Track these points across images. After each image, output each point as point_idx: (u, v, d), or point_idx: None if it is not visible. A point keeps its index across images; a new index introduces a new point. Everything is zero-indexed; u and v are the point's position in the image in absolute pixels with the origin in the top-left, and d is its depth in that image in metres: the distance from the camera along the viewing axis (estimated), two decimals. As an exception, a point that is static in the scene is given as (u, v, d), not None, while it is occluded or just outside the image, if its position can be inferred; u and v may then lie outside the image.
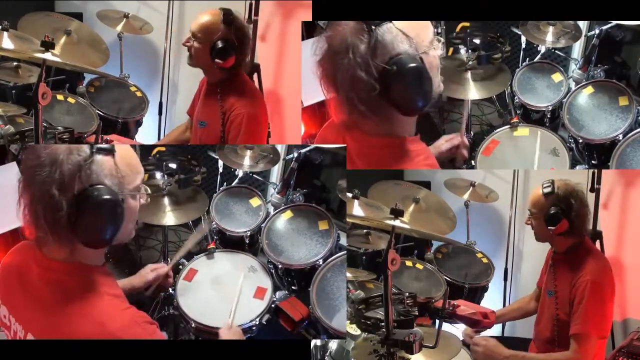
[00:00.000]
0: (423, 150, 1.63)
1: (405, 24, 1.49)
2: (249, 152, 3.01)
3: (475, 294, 3.11)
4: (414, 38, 1.49)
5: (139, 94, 3.48)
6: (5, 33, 2.89)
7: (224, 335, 2.30)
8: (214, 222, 2.91)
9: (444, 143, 2.20)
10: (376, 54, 1.45)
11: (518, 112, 3.14)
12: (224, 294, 2.53)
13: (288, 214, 2.84)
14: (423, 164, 1.62)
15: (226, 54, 2.42)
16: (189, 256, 2.81)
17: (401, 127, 1.59)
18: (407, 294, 1.79)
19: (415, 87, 1.47)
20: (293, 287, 2.67)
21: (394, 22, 1.47)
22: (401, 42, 1.47)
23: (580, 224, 2.29)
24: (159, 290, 2.23)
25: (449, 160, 2.25)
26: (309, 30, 3.10)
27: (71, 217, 1.35)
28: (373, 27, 1.45)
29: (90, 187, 1.36)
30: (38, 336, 1.44)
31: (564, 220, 2.24)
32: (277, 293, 2.58)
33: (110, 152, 1.41)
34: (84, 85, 3.33)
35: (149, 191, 1.52)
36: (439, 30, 3.23)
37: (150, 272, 2.11)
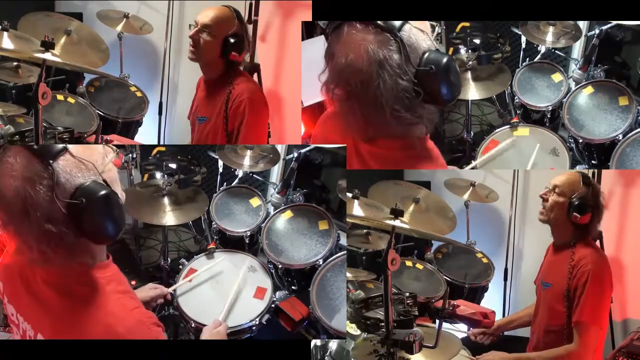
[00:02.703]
0: (436, 149, 1.64)
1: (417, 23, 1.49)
2: (249, 152, 3.01)
3: (475, 294, 3.11)
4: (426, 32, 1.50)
5: (139, 94, 3.48)
6: (5, 33, 2.89)
7: (206, 333, 2.23)
8: (214, 222, 2.91)
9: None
10: (409, 59, 1.44)
11: (518, 112, 3.14)
12: (224, 293, 2.53)
13: (288, 214, 2.84)
14: (442, 163, 1.64)
15: (241, 48, 2.49)
16: (189, 256, 2.82)
17: (419, 127, 1.58)
18: (407, 294, 1.79)
19: (453, 80, 1.48)
20: (293, 287, 2.67)
21: (410, 21, 1.47)
22: (423, 40, 1.48)
23: (597, 223, 2.33)
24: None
25: None
26: (309, 30, 3.09)
27: (72, 230, 1.31)
28: (397, 33, 1.44)
29: (73, 196, 1.30)
30: (48, 337, 1.43)
31: (589, 214, 2.26)
32: (277, 293, 2.58)
33: (61, 151, 1.33)
34: (84, 85, 3.33)
35: (117, 151, 1.47)
36: (439, 31, 3.23)
37: (152, 290, 2.15)
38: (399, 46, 1.44)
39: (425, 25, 1.52)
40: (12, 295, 1.50)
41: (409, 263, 3.11)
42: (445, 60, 1.45)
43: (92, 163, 1.36)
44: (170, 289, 2.26)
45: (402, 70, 1.43)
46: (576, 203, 2.27)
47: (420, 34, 1.48)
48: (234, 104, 2.49)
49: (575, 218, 2.27)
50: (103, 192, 1.33)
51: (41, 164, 1.30)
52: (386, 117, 1.47)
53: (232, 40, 2.46)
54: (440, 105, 1.52)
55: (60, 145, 1.34)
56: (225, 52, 2.48)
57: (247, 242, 2.88)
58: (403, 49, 1.43)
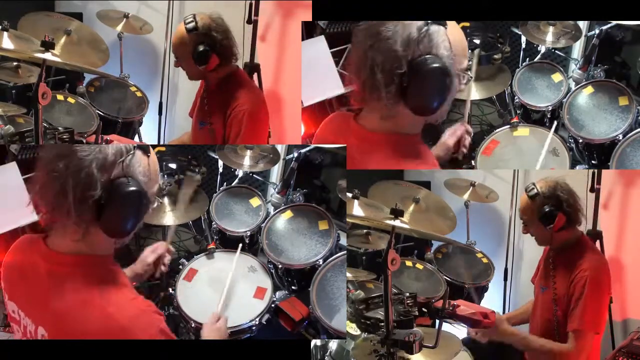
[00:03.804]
0: (427, 149, 1.65)
1: (453, 39, 1.50)
2: (249, 152, 3.01)
3: (475, 294, 3.11)
4: (454, 56, 1.50)
5: (139, 94, 3.48)
6: (5, 33, 2.89)
7: (205, 331, 2.23)
8: (214, 222, 2.91)
9: (449, 137, 2.19)
10: (420, 43, 1.46)
11: (518, 112, 3.14)
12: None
13: (288, 214, 2.85)
14: (432, 163, 1.64)
15: (205, 57, 2.43)
16: (189, 256, 2.82)
17: (409, 125, 1.59)
18: (407, 294, 1.79)
19: (436, 87, 1.48)
20: (293, 287, 2.67)
21: (448, 28, 1.49)
22: (445, 49, 1.48)
23: (575, 214, 2.29)
24: (159, 269, 2.21)
25: (449, 162, 2.25)
26: (309, 30, 3.10)
27: (99, 201, 1.36)
28: (429, 22, 1.47)
29: (126, 177, 1.38)
30: (48, 329, 1.44)
31: (560, 215, 2.24)
32: (277, 293, 2.58)
33: (147, 152, 1.45)
34: (84, 85, 3.33)
35: (160, 201, 1.54)
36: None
37: (150, 255, 2.11)
38: (422, 28, 1.46)
39: (459, 54, 1.52)
40: (13, 292, 1.52)
41: (409, 263, 3.11)
42: (439, 65, 1.45)
43: (149, 181, 1.45)
44: (168, 241, 2.22)
45: (408, 40, 1.45)
46: (542, 217, 2.25)
47: (447, 45, 1.48)
48: (232, 113, 2.48)
49: (552, 229, 2.26)
50: (138, 189, 1.39)
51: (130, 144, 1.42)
52: (367, 68, 1.50)
53: (195, 55, 2.43)
54: (410, 104, 1.50)
55: (149, 147, 1.47)
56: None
57: (247, 242, 2.88)
58: (424, 30, 1.46)
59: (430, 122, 1.61)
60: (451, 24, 1.52)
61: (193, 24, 2.42)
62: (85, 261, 1.43)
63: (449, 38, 1.49)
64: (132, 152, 1.40)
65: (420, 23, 1.47)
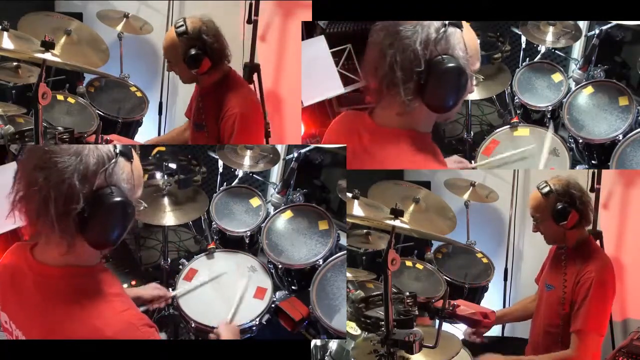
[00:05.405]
0: (437, 148, 1.67)
1: (467, 41, 1.55)
2: (249, 152, 3.01)
3: (475, 294, 3.11)
4: (469, 58, 1.54)
5: (139, 94, 3.48)
6: (5, 33, 2.89)
7: (222, 330, 2.30)
8: (214, 222, 2.91)
9: (455, 164, 2.30)
10: (438, 44, 1.50)
11: (518, 112, 3.14)
12: (224, 294, 2.54)
13: (288, 214, 2.84)
14: (442, 161, 1.66)
15: (196, 61, 2.41)
16: (189, 256, 2.82)
17: (423, 123, 1.62)
18: (407, 293, 1.79)
19: (453, 86, 1.52)
20: (293, 287, 2.67)
21: (463, 30, 1.54)
22: (461, 50, 1.52)
23: (587, 211, 2.30)
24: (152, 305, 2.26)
25: None
26: (309, 30, 3.10)
27: (83, 214, 1.32)
28: (446, 23, 1.51)
29: (109, 187, 1.34)
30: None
31: (573, 212, 2.25)
32: (277, 293, 2.58)
33: (130, 158, 1.41)
34: (84, 85, 3.33)
35: (145, 205, 1.51)
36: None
37: (157, 289, 2.20)
38: (440, 29, 1.50)
39: (472, 56, 1.56)
40: (5, 302, 1.49)
41: (409, 263, 3.11)
42: (456, 65, 1.49)
43: (133, 187, 1.42)
44: (173, 293, 2.28)
45: (426, 40, 1.49)
46: (556, 213, 2.25)
47: (462, 46, 1.52)
48: (224, 116, 2.48)
49: (565, 225, 2.26)
50: (122, 199, 1.35)
51: (112, 148, 1.37)
52: (385, 65, 1.52)
53: (187, 59, 2.41)
54: (428, 103, 1.54)
55: (131, 151, 1.41)
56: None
57: (247, 242, 2.88)
58: (442, 31, 1.50)
59: (440, 120, 1.66)
60: (466, 26, 1.56)
61: (183, 27, 2.41)
62: (71, 273, 1.40)
63: (464, 40, 1.53)
64: (114, 159, 1.35)
65: (438, 24, 1.51)
